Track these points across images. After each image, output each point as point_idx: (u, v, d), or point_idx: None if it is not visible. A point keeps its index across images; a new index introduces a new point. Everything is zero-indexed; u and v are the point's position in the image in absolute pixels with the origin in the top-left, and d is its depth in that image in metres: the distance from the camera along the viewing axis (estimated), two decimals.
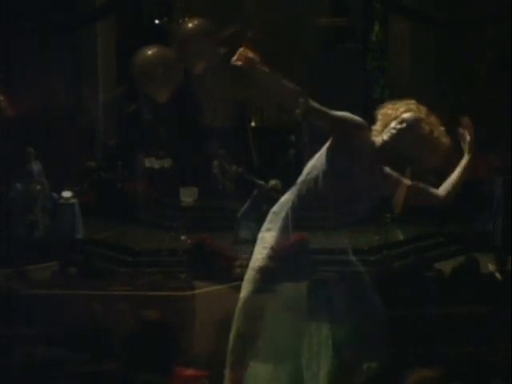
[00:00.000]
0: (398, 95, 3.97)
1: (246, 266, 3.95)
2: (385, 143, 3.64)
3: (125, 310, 4.87)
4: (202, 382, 3.63)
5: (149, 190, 12.62)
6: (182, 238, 10.24)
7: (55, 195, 11.64)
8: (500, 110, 11.50)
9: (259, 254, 3.79)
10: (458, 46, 12.14)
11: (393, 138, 3.63)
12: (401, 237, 11.29)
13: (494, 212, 10.97)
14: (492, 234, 10.83)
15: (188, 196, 12.56)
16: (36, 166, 11.64)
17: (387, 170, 3.76)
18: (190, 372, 3.61)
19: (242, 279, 3.93)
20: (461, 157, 3.86)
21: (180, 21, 12.74)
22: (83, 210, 11.63)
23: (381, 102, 3.93)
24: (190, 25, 11.02)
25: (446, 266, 7.73)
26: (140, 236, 11.43)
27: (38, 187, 11.53)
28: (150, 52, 8.84)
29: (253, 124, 14.63)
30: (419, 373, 3.32)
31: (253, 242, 4.04)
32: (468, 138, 3.83)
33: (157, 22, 13.43)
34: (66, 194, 11.64)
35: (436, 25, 12.71)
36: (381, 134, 3.69)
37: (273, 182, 3.42)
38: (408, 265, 8.66)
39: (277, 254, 3.74)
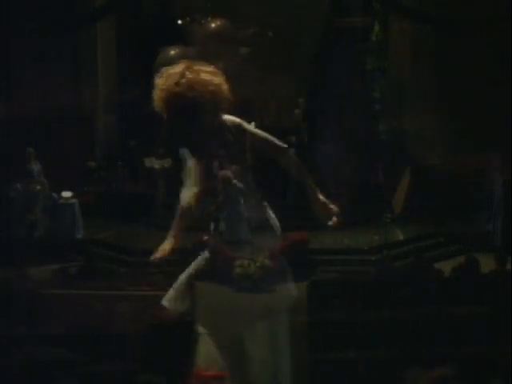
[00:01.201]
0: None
1: (247, 265, 3.95)
2: (158, 107, 3.61)
3: (124, 310, 4.87)
4: (223, 382, 3.57)
5: (149, 190, 12.62)
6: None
7: (55, 195, 11.63)
8: (500, 109, 11.49)
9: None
10: (458, 46, 12.13)
11: (154, 100, 3.59)
12: (401, 237, 11.28)
13: (493, 212, 10.95)
14: (492, 234, 10.81)
15: None
16: (36, 166, 11.63)
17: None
18: (210, 372, 3.57)
19: (242, 279, 3.94)
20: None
21: (202, 21, 12.82)
22: (83, 210, 11.61)
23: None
24: (212, 25, 11.11)
25: (446, 266, 7.73)
26: (140, 236, 11.42)
27: (38, 187, 11.52)
28: (172, 51, 8.94)
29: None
30: (435, 372, 3.31)
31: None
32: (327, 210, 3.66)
33: (179, 22, 13.44)
34: (66, 194, 11.62)
35: (436, 25, 12.70)
36: None
37: (222, 172, 3.30)
38: (408, 265, 8.65)
39: (277, 255, 3.73)
